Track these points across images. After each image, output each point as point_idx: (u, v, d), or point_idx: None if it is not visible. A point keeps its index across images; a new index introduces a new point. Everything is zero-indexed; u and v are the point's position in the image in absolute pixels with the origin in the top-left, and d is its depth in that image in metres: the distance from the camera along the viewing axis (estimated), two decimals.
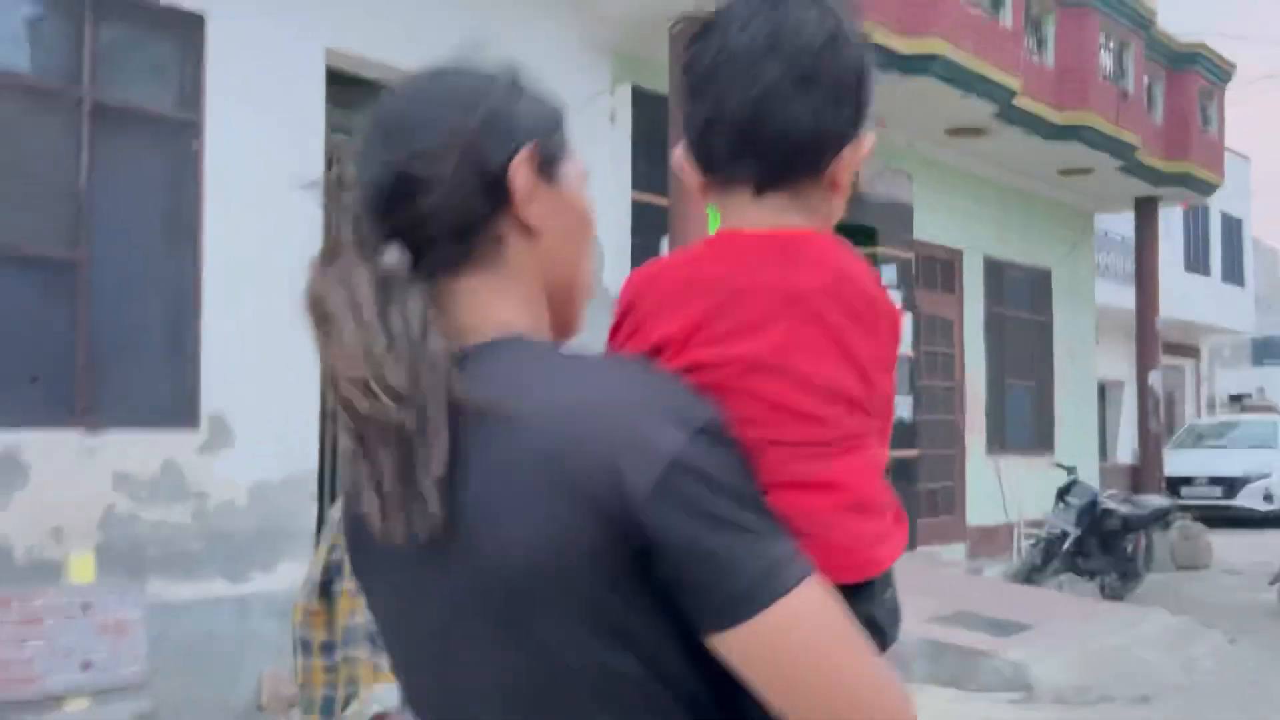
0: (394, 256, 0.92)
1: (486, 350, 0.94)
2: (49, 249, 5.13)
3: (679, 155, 1.01)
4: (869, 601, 0.92)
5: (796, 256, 0.93)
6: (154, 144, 5.45)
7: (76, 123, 5.14)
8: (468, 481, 0.89)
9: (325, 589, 2.51)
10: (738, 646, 0.85)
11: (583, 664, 0.87)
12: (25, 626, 4.15)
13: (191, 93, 5.52)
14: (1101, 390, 21.38)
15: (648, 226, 7.44)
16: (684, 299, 0.93)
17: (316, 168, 5.91)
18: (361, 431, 0.90)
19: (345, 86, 6.25)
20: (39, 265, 5.15)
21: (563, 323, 1.04)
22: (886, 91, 8.86)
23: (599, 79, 7.39)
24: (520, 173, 0.96)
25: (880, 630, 0.93)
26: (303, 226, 5.88)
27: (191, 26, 5.50)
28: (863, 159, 0.99)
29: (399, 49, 6.29)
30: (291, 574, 5.70)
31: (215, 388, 5.48)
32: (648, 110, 7.53)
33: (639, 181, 7.55)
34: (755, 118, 0.94)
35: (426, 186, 0.95)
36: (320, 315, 0.92)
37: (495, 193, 0.96)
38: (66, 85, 5.15)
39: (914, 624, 6.69)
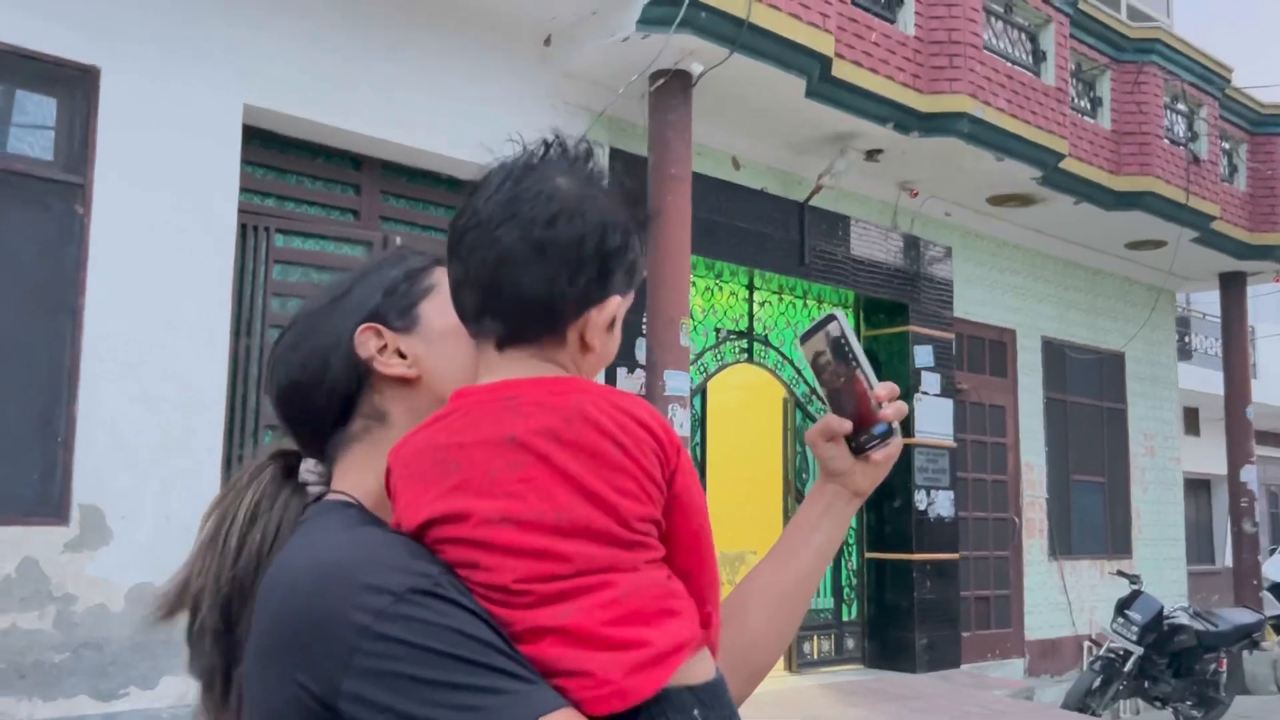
0: (307, 469, 1.14)
1: (309, 517, 1.05)
2: None
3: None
4: None
5: (518, 405, 0.97)
6: (31, 208, 4.97)
7: None
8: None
9: None
10: None
11: None
12: None
13: (79, 153, 5.06)
14: (1205, 487, 19.71)
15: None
16: (418, 463, 0.97)
17: (227, 234, 5.38)
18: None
19: (267, 146, 5.74)
20: None
21: None
22: (912, 154, 8.11)
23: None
24: (362, 345, 1.09)
25: None
26: (199, 304, 5.39)
27: (82, 81, 5.06)
28: (607, 321, 1.01)
29: (330, 106, 5.79)
30: (175, 690, 5.03)
31: (90, 478, 4.90)
32: (628, 174, 6.88)
33: None
34: (492, 281, 0.99)
35: (307, 389, 1.11)
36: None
37: (356, 371, 1.09)
38: None
39: None
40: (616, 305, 1.01)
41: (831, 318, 1.17)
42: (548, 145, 1.03)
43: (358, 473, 1.08)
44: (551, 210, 0.98)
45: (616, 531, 0.93)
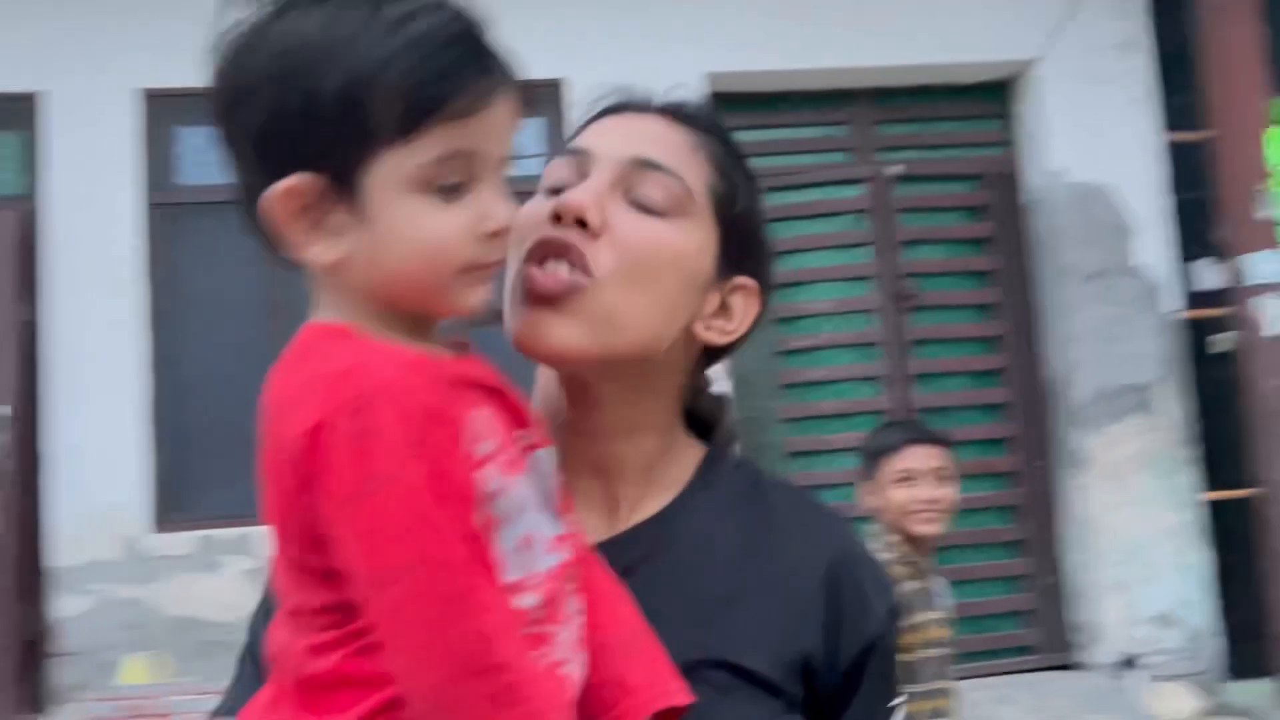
0: None
1: None
2: None
3: None
4: None
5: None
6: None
7: None
8: None
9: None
10: None
11: None
12: None
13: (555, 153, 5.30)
14: None
15: (1187, 174, 5.46)
16: None
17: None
18: None
19: (737, 109, 5.56)
20: None
21: None
22: None
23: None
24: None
25: None
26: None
27: (552, 94, 5.29)
28: (286, 201, 0.66)
29: (798, 49, 5.53)
30: None
31: None
32: (1172, 23, 5.58)
33: (1173, 116, 5.60)
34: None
35: None
36: None
37: None
38: None
39: None
40: (296, 184, 0.67)
41: None
42: None
43: None
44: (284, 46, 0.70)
45: (297, 563, 0.70)
